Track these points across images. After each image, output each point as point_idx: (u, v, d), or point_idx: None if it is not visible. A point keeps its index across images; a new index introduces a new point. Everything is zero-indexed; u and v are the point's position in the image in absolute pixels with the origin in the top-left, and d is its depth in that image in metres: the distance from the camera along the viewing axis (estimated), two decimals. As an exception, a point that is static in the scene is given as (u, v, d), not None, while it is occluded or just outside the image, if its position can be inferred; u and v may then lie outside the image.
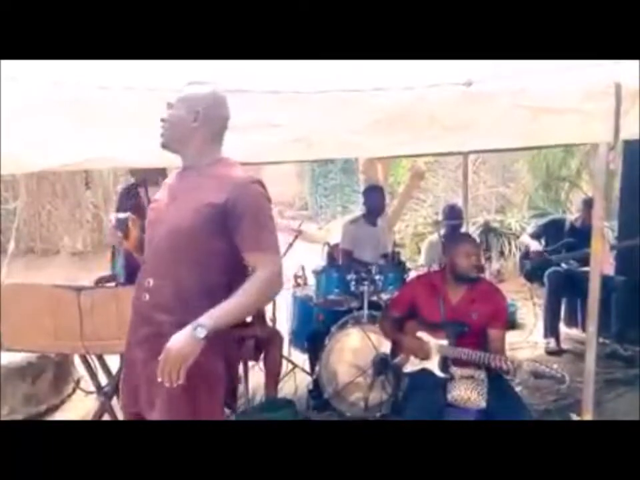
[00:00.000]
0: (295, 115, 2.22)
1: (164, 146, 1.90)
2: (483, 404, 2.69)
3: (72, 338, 2.72)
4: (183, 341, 1.63)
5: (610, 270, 4.98)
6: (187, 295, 1.79)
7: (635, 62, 2.20)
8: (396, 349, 3.03)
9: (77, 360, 3.52)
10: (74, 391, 3.85)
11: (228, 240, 1.77)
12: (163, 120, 1.88)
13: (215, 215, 1.76)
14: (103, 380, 3.15)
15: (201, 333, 1.63)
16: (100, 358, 3.11)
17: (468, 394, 2.73)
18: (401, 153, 2.41)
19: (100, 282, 3.29)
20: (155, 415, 1.77)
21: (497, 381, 2.78)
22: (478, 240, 4.06)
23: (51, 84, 2.26)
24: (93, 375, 3.08)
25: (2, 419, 3.30)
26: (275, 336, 3.56)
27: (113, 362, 3.08)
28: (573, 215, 5.33)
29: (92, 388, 3.17)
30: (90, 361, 3.05)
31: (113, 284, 3.23)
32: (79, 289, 2.76)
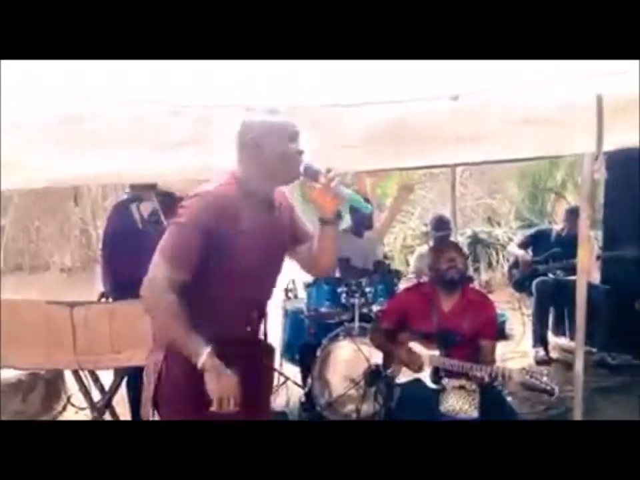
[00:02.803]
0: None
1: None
2: (475, 414, 2.72)
3: (65, 353, 2.72)
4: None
5: (596, 279, 5.05)
6: None
7: (615, 75, 2.26)
8: (388, 360, 3.06)
9: (69, 376, 3.50)
10: (64, 407, 3.82)
11: None
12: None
13: None
14: (96, 396, 3.14)
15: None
16: (93, 374, 3.11)
17: (460, 405, 2.75)
18: (391, 166, 2.45)
19: (102, 297, 3.28)
20: None
21: (489, 391, 2.81)
22: (463, 247, 4.11)
23: (38, 100, 2.27)
24: (86, 391, 3.07)
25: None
26: (267, 349, 3.56)
27: (106, 378, 3.08)
28: (558, 225, 5.40)
29: (84, 404, 3.16)
30: (82, 376, 3.04)
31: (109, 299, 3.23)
32: (71, 305, 2.77)
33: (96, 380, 3.15)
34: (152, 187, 3.09)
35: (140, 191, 3.20)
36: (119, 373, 3.05)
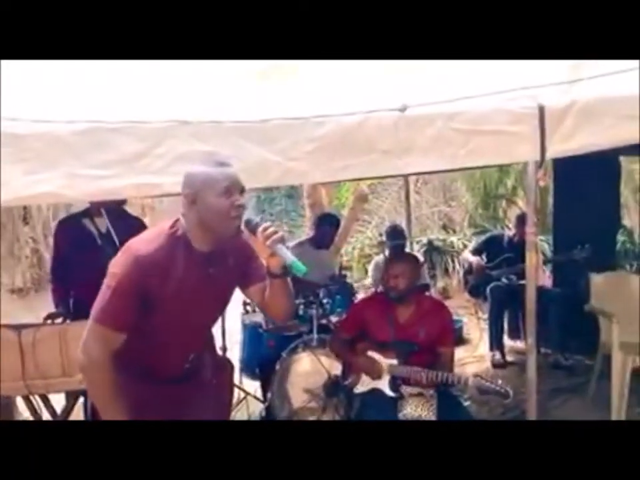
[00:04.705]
0: (238, 145, 2.24)
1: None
2: (433, 420, 2.75)
3: (13, 378, 2.62)
4: None
5: (548, 282, 5.19)
6: None
7: (557, 85, 2.34)
8: (347, 369, 3.06)
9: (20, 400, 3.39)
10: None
11: None
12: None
13: None
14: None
15: None
16: (44, 398, 3.01)
17: (419, 411, 2.78)
18: (343, 178, 2.46)
19: (49, 318, 3.18)
20: None
21: (446, 397, 2.85)
22: (419, 259, 4.15)
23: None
24: (37, 416, 2.97)
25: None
26: (225, 365, 3.52)
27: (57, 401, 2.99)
28: (510, 231, 5.54)
29: (36, 429, 3.06)
30: (33, 401, 2.94)
31: (60, 320, 3.14)
32: (19, 328, 2.68)
33: (47, 404, 3.05)
34: (104, 204, 3.01)
35: (93, 206, 3.12)
36: (72, 395, 2.97)
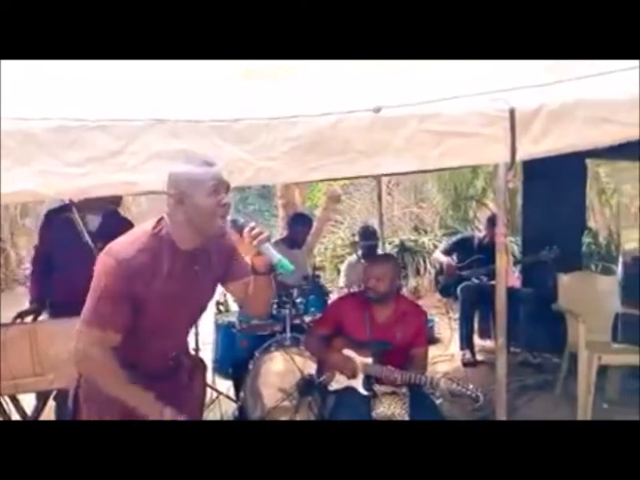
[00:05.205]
0: (214, 143, 2.24)
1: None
2: (406, 418, 2.79)
3: (-19, 379, 2.58)
4: None
5: (517, 283, 5.29)
6: None
7: (528, 88, 2.40)
8: (322, 366, 3.08)
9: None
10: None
11: None
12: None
13: None
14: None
15: None
16: (13, 398, 2.96)
17: (392, 410, 2.82)
18: (317, 177, 2.48)
19: (19, 317, 3.12)
20: None
21: (419, 396, 2.89)
22: (398, 261, 4.19)
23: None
24: (6, 417, 2.93)
25: None
26: (199, 364, 3.51)
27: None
28: (481, 232, 5.63)
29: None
30: (2, 402, 2.89)
31: (30, 318, 3.09)
32: (-14, 328, 2.64)
33: (17, 405, 3.00)
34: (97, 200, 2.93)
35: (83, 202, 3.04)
36: (42, 395, 2.92)
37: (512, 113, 2.35)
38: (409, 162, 2.41)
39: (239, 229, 1.82)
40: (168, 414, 1.78)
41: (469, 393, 2.63)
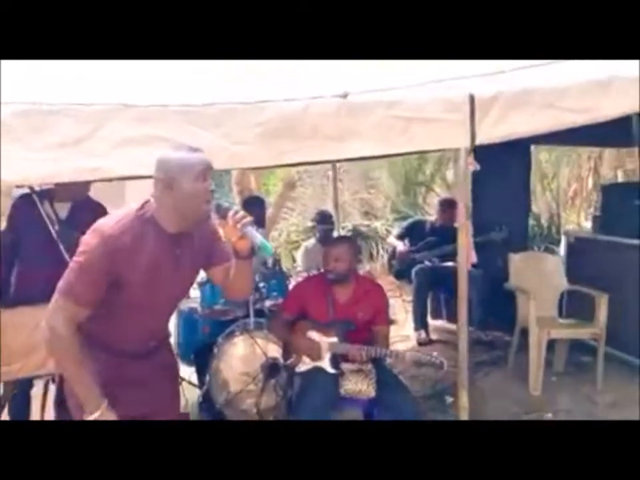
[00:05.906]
0: (184, 129, 2.25)
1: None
2: (373, 393, 2.89)
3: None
4: None
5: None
6: None
7: (486, 76, 2.51)
8: (288, 350, 3.14)
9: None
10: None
11: None
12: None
13: None
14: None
15: None
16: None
17: (359, 386, 2.91)
18: (286, 162, 2.52)
19: None
20: None
21: (383, 372, 3.00)
22: (356, 242, 4.27)
23: None
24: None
25: None
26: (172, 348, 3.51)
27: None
28: (430, 216, 5.78)
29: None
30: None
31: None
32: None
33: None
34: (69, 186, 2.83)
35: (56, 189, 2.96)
36: (10, 385, 2.87)
37: (472, 99, 2.46)
38: (376, 147, 2.49)
39: (223, 213, 1.86)
40: (106, 414, 1.77)
41: (433, 360, 2.78)
